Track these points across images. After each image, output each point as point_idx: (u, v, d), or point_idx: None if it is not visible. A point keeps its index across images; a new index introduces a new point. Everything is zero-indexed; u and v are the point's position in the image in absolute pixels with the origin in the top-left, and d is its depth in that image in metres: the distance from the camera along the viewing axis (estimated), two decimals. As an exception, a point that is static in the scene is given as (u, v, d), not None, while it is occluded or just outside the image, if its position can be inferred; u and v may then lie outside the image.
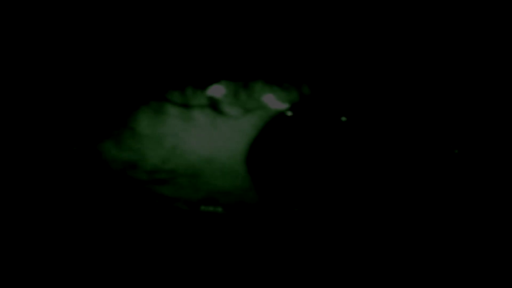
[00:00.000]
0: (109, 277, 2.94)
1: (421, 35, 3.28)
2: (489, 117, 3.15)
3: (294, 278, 3.17)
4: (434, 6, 3.33)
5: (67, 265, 2.90)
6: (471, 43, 3.25)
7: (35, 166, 2.88)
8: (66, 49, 2.91)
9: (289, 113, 3.29)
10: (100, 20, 2.96)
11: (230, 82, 3.14)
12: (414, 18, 3.33)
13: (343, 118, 3.47)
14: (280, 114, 3.32)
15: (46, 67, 2.95)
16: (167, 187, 3.42)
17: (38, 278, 2.73)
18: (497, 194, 3.11)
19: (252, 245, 3.14)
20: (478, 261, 3.13)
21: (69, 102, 2.95)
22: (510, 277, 3.02)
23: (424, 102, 3.27)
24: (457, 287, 3.08)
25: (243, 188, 3.34)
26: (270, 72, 3.15)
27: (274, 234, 3.14)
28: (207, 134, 3.39)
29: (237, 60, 3.11)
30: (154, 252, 3.11)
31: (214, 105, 3.26)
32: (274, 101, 3.23)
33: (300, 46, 3.17)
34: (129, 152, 3.41)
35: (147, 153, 3.63)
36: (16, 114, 2.84)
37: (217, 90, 3.14)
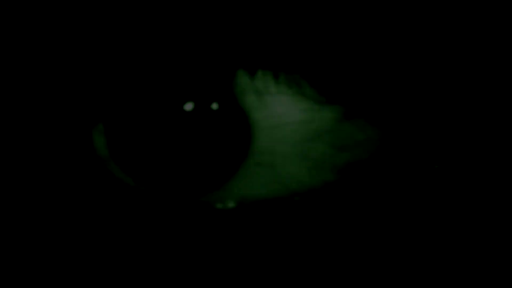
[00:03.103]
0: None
1: (420, 36, 3.29)
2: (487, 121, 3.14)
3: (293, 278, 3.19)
4: (434, 6, 3.33)
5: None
6: (471, 45, 3.25)
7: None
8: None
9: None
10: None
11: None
12: (414, 18, 3.33)
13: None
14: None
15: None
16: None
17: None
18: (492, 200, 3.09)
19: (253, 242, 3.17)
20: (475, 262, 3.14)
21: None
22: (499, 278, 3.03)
23: (424, 106, 3.27)
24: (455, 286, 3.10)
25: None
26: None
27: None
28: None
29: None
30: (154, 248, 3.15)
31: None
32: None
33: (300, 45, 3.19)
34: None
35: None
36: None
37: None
